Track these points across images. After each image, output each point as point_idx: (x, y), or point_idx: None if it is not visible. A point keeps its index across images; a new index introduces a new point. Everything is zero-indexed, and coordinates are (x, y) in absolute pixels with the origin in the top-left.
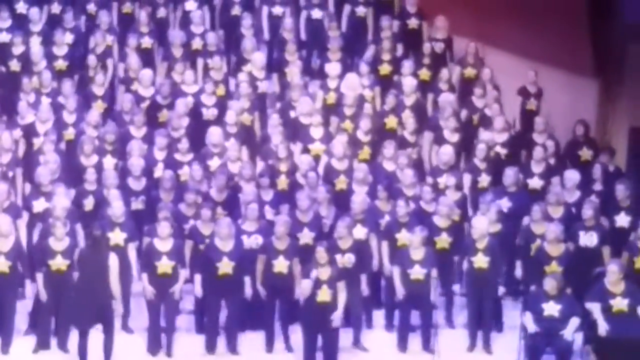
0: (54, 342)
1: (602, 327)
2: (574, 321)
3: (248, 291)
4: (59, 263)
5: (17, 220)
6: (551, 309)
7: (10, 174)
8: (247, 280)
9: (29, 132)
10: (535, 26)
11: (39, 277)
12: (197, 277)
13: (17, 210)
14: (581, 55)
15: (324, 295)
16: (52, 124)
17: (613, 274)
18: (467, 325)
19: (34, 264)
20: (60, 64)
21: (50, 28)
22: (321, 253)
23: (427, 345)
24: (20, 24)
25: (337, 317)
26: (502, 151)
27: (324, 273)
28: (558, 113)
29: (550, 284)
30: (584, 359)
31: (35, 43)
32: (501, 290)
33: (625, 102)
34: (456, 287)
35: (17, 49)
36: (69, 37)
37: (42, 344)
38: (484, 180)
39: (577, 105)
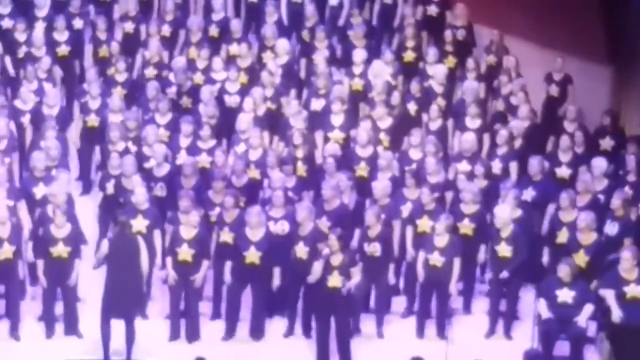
0: (60, 328)
1: (616, 314)
2: (588, 308)
3: (276, 282)
4: (60, 250)
5: (17, 203)
6: (565, 295)
7: (7, 159)
8: (276, 271)
9: (36, 117)
10: (550, 14)
11: (40, 263)
12: (227, 264)
13: (17, 194)
14: (595, 42)
15: (334, 280)
16: (58, 109)
17: (627, 261)
18: (489, 312)
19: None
20: (63, 49)
21: (55, 13)
22: (332, 241)
23: (441, 332)
24: (24, 9)
25: (346, 287)
26: (526, 139)
27: (336, 259)
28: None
29: (563, 271)
30: (598, 345)
31: (40, 29)
32: (504, 273)
33: (639, 88)
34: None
35: (21, 36)
36: (78, 23)
37: (49, 330)
38: (496, 167)
39: (591, 92)
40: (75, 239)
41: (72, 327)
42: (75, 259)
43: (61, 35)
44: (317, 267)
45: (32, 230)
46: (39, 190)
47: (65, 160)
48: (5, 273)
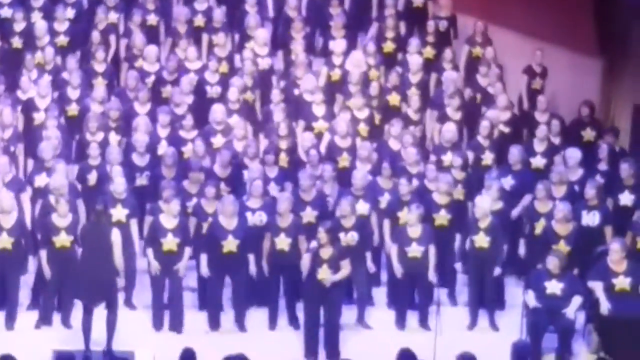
0: (56, 318)
1: (605, 306)
2: (577, 300)
3: (252, 269)
4: (63, 239)
5: (20, 194)
6: (554, 287)
7: (12, 149)
8: (251, 258)
9: (29, 107)
10: (539, 5)
11: (43, 253)
12: (203, 256)
13: (20, 185)
14: (585, 34)
15: (324, 273)
16: (51, 100)
17: (616, 253)
18: (468, 304)
19: (36, 239)
20: (62, 39)
21: (51, 3)
22: (321, 234)
23: (424, 323)
24: None
25: (327, 281)
26: (505, 129)
27: (325, 252)
28: (561, 92)
29: (552, 263)
30: (586, 337)
31: (37, 18)
32: (497, 270)
33: (629, 81)
34: (458, 266)
35: (19, 25)
36: (70, 13)
37: (44, 320)
38: (488, 157)
39: (581, 85)
40: (76, 229)
41: (67, 318)
42: (77, 248)
43: (61, 25)
44: (305, 260)
45: (37, 221)
46: (43, 180)
47: (64, 150)
48: (2, 262)
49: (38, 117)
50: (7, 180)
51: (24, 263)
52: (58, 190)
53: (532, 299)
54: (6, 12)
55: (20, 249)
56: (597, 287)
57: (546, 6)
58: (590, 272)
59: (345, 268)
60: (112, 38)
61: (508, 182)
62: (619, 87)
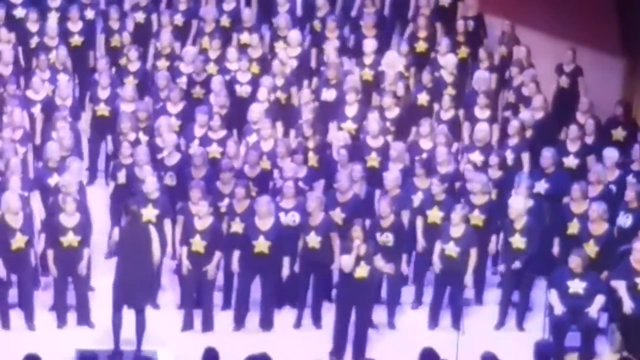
0: (72, 317)
1: (627, 305)
2: (599, 299)
3: (285, 272)
4: (70, 239)
5: (30, 194)
6: (576, 286)
7: (23, 149)
8: (285, 261)
9: (49, 107)
10: (563, 5)
11: (50, 253)
12: (234, 254)
13: (30, 185)
14: (608, 34)
15: (362, 271)
16: (71, 101)
17: (639, 252)
18: (500, 304)
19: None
20: (76, 39)
21: (68, 3)
22: (357, 231)
23: (456, 324)
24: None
25: (380, 266)
26: (539, 130)
27: (362, 249)
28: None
29: (575, 262)
30: (609, 336)
31: (53, 19)
32: (517, 264)
33: None
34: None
35: (34, 26)
36: (90, 13)
37: (61, 320)
38: (510, 158)
39: (604, 84)
40: (85, 228)
41: (84, 317)
42: (85, 248)
43: (75, 26)
44: (350, 260)
45: (45, 220)
46: (53, 181)
47: (79, 149)
48: (18, 263)
49: (54, 118)
50: (18, 180)
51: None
52: (66, 189)
53: (556, 301)
54: (20, 13)
55: (31, 247)
56: (620, 286)
57: (569, 6)
58: (614, 272)
59: (379, 261)
60: (141, 38)
61: (542, 186)
62: None
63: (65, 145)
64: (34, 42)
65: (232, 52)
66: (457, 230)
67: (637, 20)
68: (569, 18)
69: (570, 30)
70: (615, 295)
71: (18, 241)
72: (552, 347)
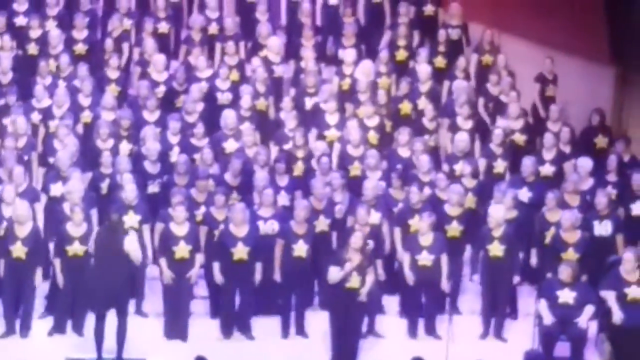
0: (69, 325)
1: (617, 315)
2: (589, 309)
3: (258, 277)
4: (76, 248)
5: (34, 203)
6: (566, 296)
7: (26, 157)
8: (258, 266)
9: (46, 115)
10: (552, 13)
11: (57, 262)
12: (215, 264)
13: (35, 194)
14: (598, 43)
15: (353, 282)
16: (67, 108)
17: (628, 262)
18: (481, 313)
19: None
20: (80, 47)
21: (67, 11)
22: (357, 238)
23: (432, 331)
24: (37, 7)
25: (363, 294)
26: (520, 138)
27: (355, 259)
28: (574, 101)
29: (565, 272)
30: (599, 347)
31: (52, 26)
32: (516, 279)
33: None
34: (475, 277)
35: (35, 33)
36: (85, 21)
37: (58, 328)
38: (500, 166)
39: (594, 93)
40: (90, 238)
41: (79, 326)
42: (91, 257)
43: (80, 34)
44: (337, 274)
45: (49, 230)
46: (58, 189)
47: (81, 158)
48: (17, 272)
49: (53, 125)
50: (22, 189)
51: (36, 272)
52: (73, 199)
53: (545, 311)
54: (21, 21)
55: (35, 258)
56: (609, 296)
57: (559, 14)
58: (603, 282)
59: (370, 275)
60: (125, 45)
61: (524, 193)
62: (632, 96)
63: (71, 152)
64: (32, 49)
65: (201, 60)
66: (426, 238)
67: (626, 29)
68: (559, 27)
69: (559, 38)
70: (605, 306)
71: (17, 250)
72: (542, 357)
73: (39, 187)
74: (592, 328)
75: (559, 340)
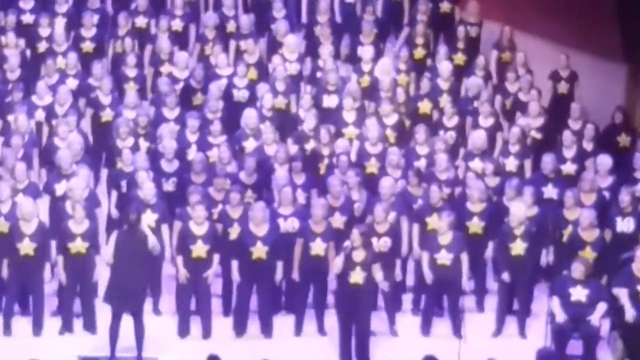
0: (78, 324)
1: (629, 313)
2: (601, 306)
3: (279, 277)
4: (78, 246)
5: (36, 200)
6: (578, 294)
7: (25, 154)
8: (279, 265)
9: (49, 113)
10: (564, 11)
11: (60, 259)
12: (234, 262)
13: (37, 191)
14: (610, 40)
15: (356, 277)
16: (70, 107)
17: None
18: (497, 311)
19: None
20: (87, 45)
21: (75, 9)
22: (355, 236)
23: (457, 331)
24: (46, 5)
25: (384, 285)
26: (538, 136)
27: (358, 255)
28: (587, 98)
29: (578, 269)
30: (611, 344)
31: (60, 24)
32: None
33: None
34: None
35: (45, 31)
36: (95, 18)
37: (66, 326)
38: (511, 164)
39: (606, 90)
40: (94, 235)
41: (90, 323)
42: (95, 254)
43: (88, 32)
44: (338, 262)
45: (53, 227)
46: (62, 188)
47: (86, 156)
48: (25, 269)
49: (55, 123)
50: (24, 187)
51: (44, 269)
52: (74, 196)
53: (558, 309)
54: (28, 19)
55: (43, 255)
56: (622, 293)
57: (571, 12)
58: (615, 279)
59: (378, 272)
60: (142, 43)
61: (551, 191)
62: None
63: (75, 150)
64: (42, 47)
65: (222, 58)
66: (445, 237)
67: (638, 26)
68: (571, 25)
69: (571, 36)
70: (617, 303)
71: (26, 247)
72: (554, 355)
73: (40, 185)
74: (605, 326)
75: (572, 338)
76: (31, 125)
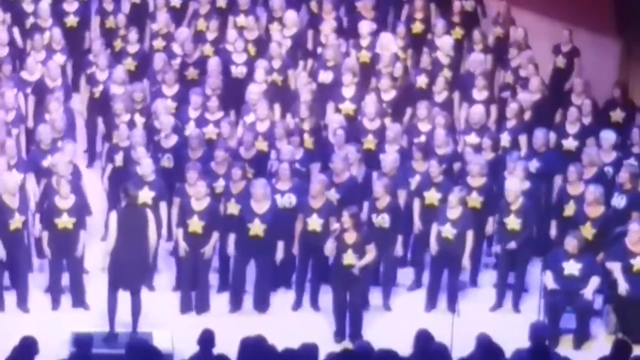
0: (66, 300)
1: (622, 287)
2: (594, 280)
3: (280, 255)
4: (65, 221)
5: (25, 175)
6: (571, 268)
7: (15, 131)
8: (280, 245)
9: (40, 89)
10: None
11: (44, 235)
12: (231, 236)
13: (25, 166)
14: (604, 15)
15: (349, 259)
16: (61, 82)
17: (634, 234)
18: (496, 285)
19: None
20: (71, 20)
21: None
22: (345, 218)
23: (452, 306)
24: None
25: (356, 267)
26: (537, 112)
27: (350, 237)
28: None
29: (571, 243)
30: (604, 318)
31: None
32: (512, 244)
33: None
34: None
35: (29, 7)
36: None
37: (55, 302)
38: (505, 140)
39: (599, 65)
40: (80, 210)
41: (79, 299)
42: (80, 230)
43: (70, 6)
44: (330, 246)
45: (39, 203)
46: (46, 163)
47: (72, 132)
48: (14, 243)
49: (46, 99)
50: (13, 162)
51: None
52: (58, 171)
53: (550, 280)
54: None
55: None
56: (615, 267)
57: None
58: (609, 253)
59: (370, 253)
60: (138, 19)
61: (533, 165)
62: (637, 68)
63: (57, 127)
64: (28, 22)
65: (231, 34)
66: (454, 212)
67: (633, 1)
68: (564, 0)
69: (566, 11)
70: (611, 277)
71: (16, 222)
72: (547, 329)
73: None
74: (598, 299)
75: (565, 312)
76: (19, 101)
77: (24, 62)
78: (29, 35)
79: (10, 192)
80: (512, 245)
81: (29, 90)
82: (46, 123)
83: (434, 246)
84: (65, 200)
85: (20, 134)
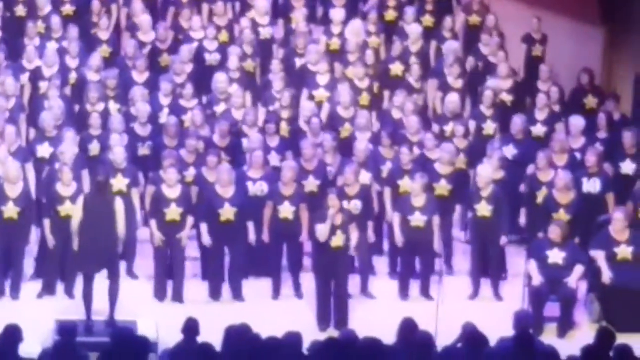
0: (60, 288)
1: (606, 275)
2: (578, 269)
3: (252, 237)
4: (67, 209)
5: (25, 164)
6: (556, 256)
7: (16, 118)
8: (250, 226)
9: (36, 76)
10: None
11: (46, 223)
12: (203, 225)
13: (26, 155)
14: (587, 3)
15: (338, 240)
16: (57, 69)
17: (618, 222)
18: (470, 274)
19: (41, 209)
20: (68, 8)
21: None
22: (333, 200)
23: (426, 292)
24: None
25: (351, 248)
26: (508, 98)
27: (338, 219)
28: (564, 61)
29: (554, 232)
30: (588, 306)
31: None
32: (504, 239)
33: (631, 50)
34: (461, 235)
35: None
36: None
37: (48, 290)
38: (490, 127)
39: (583, 53)
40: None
41: (71, 288)
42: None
43: None
44: (325, 230)
45: (39, 190)
46: (45, 150)
47: (70, 119)
48: (8, 232)
49: (44, 86)
50: (14, 150)
51: (28, 233)
52: (63, 159)
53: (534, 272)
54: None
55: (26, 219)
56: (599, 256)
57: None
58: (593, 241)
59: (354, 232)
60: (114, 6)
61: (510, 151)
62: (620, 56)
63: (56, 114)
64: (23, 11)
65: (196, 20)
66: (419, 200)
67: None
68: None
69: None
70: (594, 266)
71: (9, 211)
72: (531, 317)
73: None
74: (582, 288)
75: (549, 300)
76: (18, 88)
77: (18, 50)
78: (23, 23)
79: (10, 180)
80: (504, 240)
81: (24, 77)
82: (49, 111)
83: (399, 237)
84: (67, 187)
85: (20, 121)
